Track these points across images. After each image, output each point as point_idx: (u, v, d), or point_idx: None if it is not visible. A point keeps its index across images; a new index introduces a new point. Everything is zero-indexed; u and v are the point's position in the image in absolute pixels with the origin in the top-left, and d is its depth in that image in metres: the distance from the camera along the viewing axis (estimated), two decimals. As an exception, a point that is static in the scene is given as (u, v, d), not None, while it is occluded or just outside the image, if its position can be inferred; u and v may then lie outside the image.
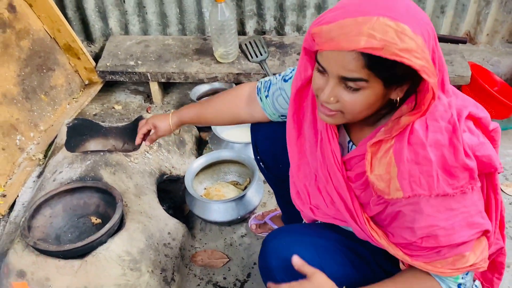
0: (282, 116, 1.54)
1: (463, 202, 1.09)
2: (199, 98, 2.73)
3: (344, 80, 1.02)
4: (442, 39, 2.65)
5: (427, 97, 1.02)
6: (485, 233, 1.16)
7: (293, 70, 1.48)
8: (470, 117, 1.13)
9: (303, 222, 1.64)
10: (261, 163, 1.73)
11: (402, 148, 1.07)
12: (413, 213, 1.11)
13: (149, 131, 1.70)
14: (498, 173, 1.16)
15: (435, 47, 1.02)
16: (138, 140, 1.70)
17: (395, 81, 1.03)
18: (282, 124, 1.60)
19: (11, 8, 2.47)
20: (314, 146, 1.32)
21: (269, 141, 1.65)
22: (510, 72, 2.71)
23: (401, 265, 1.26)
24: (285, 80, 1.48)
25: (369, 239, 1.25)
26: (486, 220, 1.14)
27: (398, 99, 1.08)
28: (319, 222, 1.44)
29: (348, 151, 1.27)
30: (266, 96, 1.52)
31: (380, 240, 1.21)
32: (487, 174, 1.16)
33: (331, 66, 1.02)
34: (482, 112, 1.15)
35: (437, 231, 1.10)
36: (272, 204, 2.22)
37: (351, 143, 1.27)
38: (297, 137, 1.37)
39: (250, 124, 1.70)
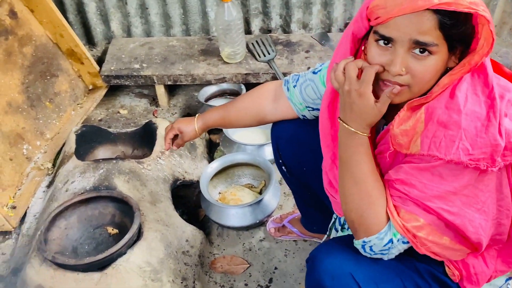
0: (308, 107, 1.52)
1: (466, 180, 1.06)
2: (207, 99, 2.68)
3: (416, 44, 1.01)
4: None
5: (479, 52, 1.03)
6: (462, 237, 1.12)
7: (323, 64, 1.48)
8: None
9: (334, 216, 1.60)
10: (283, 167, 1.70)
11: (436, 108, 1.06)
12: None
13: (175, 136, 1.67)
14: None
15: None
16: (167, 145, 1.67)
17: (458, 43, 1.04)
18: (305, 125, 1.57)
19: (13, 14, 2.40)
20: None
21: (292, 144, 1.62)
22: (520, 63, 2.68)
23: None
24: (314, 73, 1.48)
25: None
26: (483, 214, 1.10)
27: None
28: None
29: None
30: (294, 86, 1.52)
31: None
32: None
33: (402, 32, 1.01)
34: None
35: (414, 183, 1.10)
36: (288, 206, 2.19)
37: (385, 126, 1.25)
38: (331, 127, 1.33)
39: (264, 126, 1.67)
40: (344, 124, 1.14)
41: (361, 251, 1.19)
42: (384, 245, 1.14)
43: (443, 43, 1.02)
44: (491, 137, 1.03)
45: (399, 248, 1.16)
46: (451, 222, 1.09)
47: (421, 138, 1.07)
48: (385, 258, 1.19)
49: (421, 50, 1.02)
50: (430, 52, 1.02)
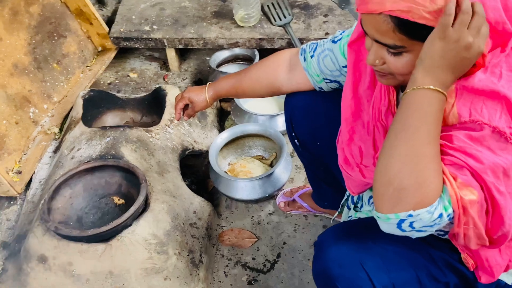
0: (326, 79, 1.44)
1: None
2: (219, 65, 2.58)
3: (379, 43, 0.98)
4: None
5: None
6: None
7: (343, 32, 1.38)
8: None
9: (346, 193, 1.54)
10: (296, 141, 1.62)
11: (467, 79, 0.98)
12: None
13: (186, 105, 1.61)
14: None
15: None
16: (177, 116, 1.61)
17: None
18: (322, 97, 1.49)
19: (19, -29, 2.30)
20: (369, 106, 1.24)
21: (307, 116, 1.54)
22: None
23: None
24: (333, 42, 1.39)
25: None
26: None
27: None
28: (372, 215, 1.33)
29: None
30: (312, 56, 1.43)
31: None
32: None
33: (368, 29, 1.00)
34: None
35: (469, 151, 0.95)
36: (300, 179, 2.12)
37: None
38: (352, 97, 1.27)
39: (279, 96, 1.59)
40: (422, 86, 0.97)
41: (392, 228, 0.98)
42: (432, 221, 0.94)
43: (413, 42, 0.95)
44: None
45: (443, 225, 0.98)
46: (497, 202, 0.96)
47: (458, 106, 0.97)
48: (415, 236, 1.01)
49: (389, 49, 0.98)
50: (400, 51, 0.97)
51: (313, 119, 1.53)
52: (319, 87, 1.48)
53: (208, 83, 1.59)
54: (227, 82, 1.57)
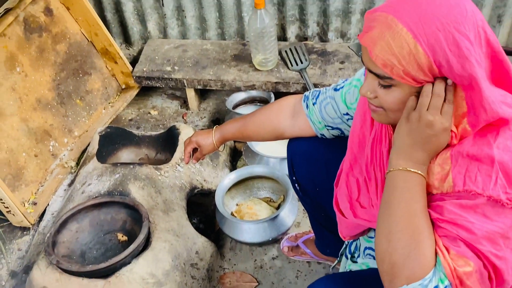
0: (328, 126, 1.46)
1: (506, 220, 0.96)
2: (236, 106, 2.63)
3: (374, 74, 1.01)
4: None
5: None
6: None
7: (345, 80, 1.41)
8: None
9: (345, 244, 1.53)
10: (296, 185, 1.63)
11: (462, 144, 0.99)
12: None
13: (194, 149, 1.65)
14: None
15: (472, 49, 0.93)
16: (186, 159, 1.66)
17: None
18: (322, 143, 1.51)
19: (48, 11, 2.43)
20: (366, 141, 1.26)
21: (307, 162, 1.56)
22: None
23: None
24: (336, 89, 1.42)
25: None
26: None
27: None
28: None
29: None
30: (314, 103, 1.45)
31: None
32: None
33: (364, 58, 1.02)
34: None
35: (460, 223, 0.96)
36: (306, 224, 2.11)
37: None
38: (361, 127, 1.28)
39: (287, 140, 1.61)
40: (399, 168, 1.03)
41: None
42: None
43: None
44: None
45: None
46: (498, 268, 0.96)
47: (453, 174, 0.99)
48: None
49: (380, 80, 1.01)
50: (390, 84, 0.99)
51: (314, 165, 1.55)
52: (321, 134, 1.49)
53: (215, 126, 1.63)
54: (233, 126, 1.60)
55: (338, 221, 1.38)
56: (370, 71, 1.01)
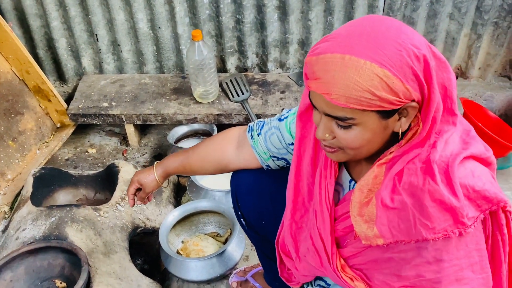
0: (273, 157, 1.42)
1: (454, 252, 0.99)
2: (178, 140, 2.57)
3: (332, 117, 0.99)
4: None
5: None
6: None
7: (289, 110, 1.39)
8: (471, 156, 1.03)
9: None
10: (242, 220, 1.59)
11: (380, 191, 1.02)
12: (401, 260, 1.04)
13: (137, 189, 1.57)
14: (506, 209, 1.02)
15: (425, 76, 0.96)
16: (130, 202, 1.57)
17: (391, 113, 0.97)
18: (266, 176, 1.48)
19: (-25, 50, 2.32)
20: (311, 184, 1.25)
21: (253, 195, 1.52)
22: (504, 107, 2.58)
23: None
24: (280, 120, 1.40)
25: (345, 285, 1.18)
26: (480, 275, 1.02)
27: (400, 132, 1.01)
28: None
29: (349, 190, 1.20)
30: (259, 134, 1.42)
31: (356, 284, 1.16)
32: (491, 212, 1.03)
33: (317, 103, 1.00)
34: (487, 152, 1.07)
35: (422, 282, 1.03)
36: (255, 257, 2.05)
37: (352, 182, 1.20)
38: (295, 184, 1.31)
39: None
40: None
41: None
42: None
43: (363, 114, 0.95)
44: (439, 203, 0.96)
45: None
46: None
47: (377, 227, 1.02)
48: None
49: (339, 122, 0.98)
50: (350, 124, 0.98)
51: (258, 197, 1.51)
52: (266, 165, 1.46)
53: (156, 162, 1.56)
54: (175, 160, 1.54)
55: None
56: (328, 115, 0.99)
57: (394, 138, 1.05)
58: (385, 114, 0.96)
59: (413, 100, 0.96)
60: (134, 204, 1.57)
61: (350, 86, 0.91)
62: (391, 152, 1.04)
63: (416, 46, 0.93)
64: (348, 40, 0.94)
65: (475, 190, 0.98)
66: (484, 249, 1.03)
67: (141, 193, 1.56)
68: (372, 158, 1.09)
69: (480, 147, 1.06)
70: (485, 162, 1.07)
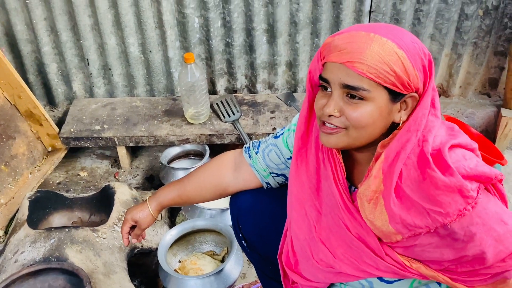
0: (273, 174, 1.46)
1: (478, 221, 1.05)
2: (171, 161, 2.60)
3: (346, 88, 1.04)
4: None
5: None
6: None
7: (284, 128, 1.44)
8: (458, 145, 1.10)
9: None
10: (243, 242, 1.60)
11: (385, 191, 1.07)
12: (436, 247, 1.09)
13: (132, 227, 1.54)
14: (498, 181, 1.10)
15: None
16: (125, 241, 1.54)
17: (398, 98, 1.06)
18: (266, 196, 1.51)
19: (-33, 76, 2.33)
20: (315, 193, 1.26)
21: (253, 217, 1.53)
22: (485, 123, 2.68)
23: None
24: (276, 137, 1.44)
25: (401, 272, 1.16)
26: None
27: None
28: None
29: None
30: (256, 152, 1.46)
31: (417, 267, 1.14)
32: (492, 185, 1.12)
33: (334, 74, 1.05)
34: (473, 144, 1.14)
35: (468, 259, 1.09)
36: (252, 274, 2.08)
37: (353, 188, 1.23)
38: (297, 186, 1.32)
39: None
40: None
41: None
42: None
43: (377, 89, 1.04)
44: (445, 187, 1.02)
45: None
46: None
47: (392, 226, 1.07)
48: None
49: (352, 95, 1.05)
50: (362, 98, 1.04)
51: (260, 219, 1.52)
52: (266, 183, 1.49)
53: (148, 197, 1.54)
54: (170, 191, 1.52)
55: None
56: (345, 86, 1.04)
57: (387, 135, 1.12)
58: (394, 97, 1.05)
59: (416, 92, 1.06)
60: (129, 243, 1.54)
61: (373, 56, 1.01)
62: (384, 145, 1.10)
63: (424, 47, 1.06)
64: (371, 26, 1.06)
65: (471, 169, 1.04)
66: (499, 201, 1.10)
67: (136, 230, 1.53)
68: (369, 157, 1.14)
69: (466, 138, 1.13)
70: (473, 151, 1.13)
